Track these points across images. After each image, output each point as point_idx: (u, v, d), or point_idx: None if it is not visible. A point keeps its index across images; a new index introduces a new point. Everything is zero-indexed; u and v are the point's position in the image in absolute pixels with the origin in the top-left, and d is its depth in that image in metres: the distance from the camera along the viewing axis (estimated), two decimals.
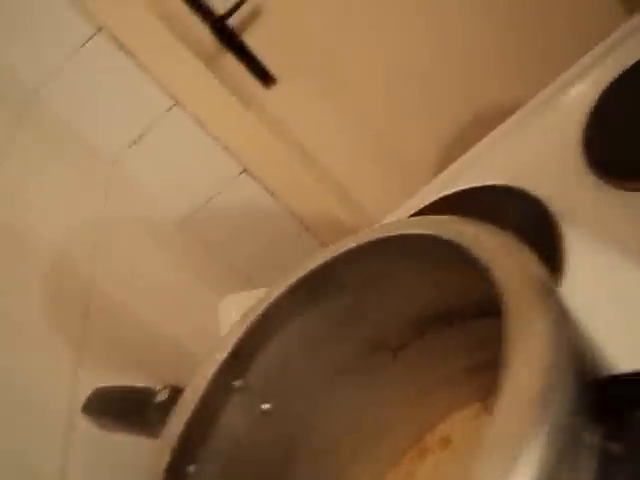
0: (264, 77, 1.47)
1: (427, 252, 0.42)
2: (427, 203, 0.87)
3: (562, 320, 0.30)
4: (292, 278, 0.48)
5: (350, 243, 0.47)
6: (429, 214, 0.84)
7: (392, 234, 0.44)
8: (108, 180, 1.30)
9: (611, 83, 0.80)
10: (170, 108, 1.34)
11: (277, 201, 1.46)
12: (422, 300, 0.47)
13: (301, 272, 0.48)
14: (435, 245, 0.40)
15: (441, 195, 0.87)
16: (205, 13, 1.37)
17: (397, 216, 0.94)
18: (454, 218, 0.41)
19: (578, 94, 0.86)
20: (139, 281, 1.07)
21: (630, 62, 0.82)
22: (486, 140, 0.94)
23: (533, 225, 0.68)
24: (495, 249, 0.35)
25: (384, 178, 1.63)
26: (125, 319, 0.94)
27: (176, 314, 1.05)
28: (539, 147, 0.82)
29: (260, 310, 0.48)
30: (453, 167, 0.95)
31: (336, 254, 0.47)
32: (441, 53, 1.55)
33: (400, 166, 1.62)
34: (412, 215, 0.88)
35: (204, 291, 1.25)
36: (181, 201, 1.42)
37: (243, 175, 1.43)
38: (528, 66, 1.56)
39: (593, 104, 0.80)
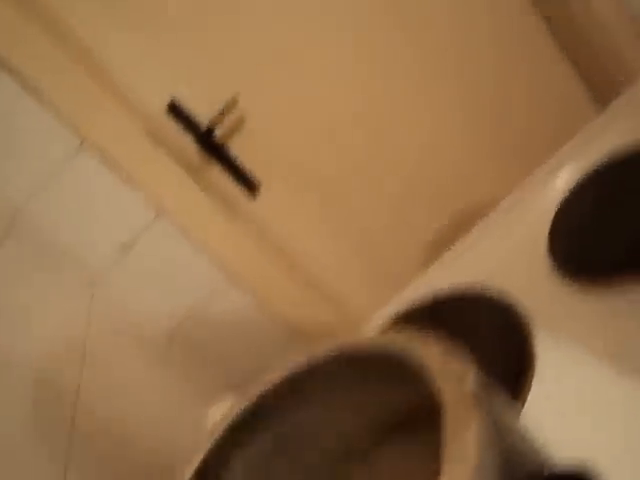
0: (248, 186, 1.50)
1: (374, 368, 0.47)
2: (403, 310, 0.90)
3: (492, 425, 0.34)
4: (256, 391, 0.51)
5: (310, 358, 0.50)
6: (404, 322, 0.88)
7: (347, 352, 0.48)
8: (93, 292, 1.29)
9: (574, 186, 0.85)
10: (155, 219, 1.35)
11: (263, 308, 1.45)
12: (372, 411, 0.52)
13: (264, 386, 0.51)
14: (382, 362, 0.45)
15: (416, 301, 0.90)
16: (190, 125, 1.41)
17: (379, 318, 0.95)
18: (401, 335, 0.45)
19: (544, 196, 0.90)
20: (125, 393, 1.04)
21: (595, 161, 0.86)
22: (462, 242, 0.98)
23: (505, 327, 0.72)
24: (435, 363, 0.40)
25: (368, 279, 1.63)
26: (111, 432, 0.92)
27: (163, 426, 1.03)
28: (510, 248, 0.87)
29: (226, 424, 0.51)
30: (431, 269, 0.99)
31: (304, 366, 0.50)
32: (422, 156, 1.60)
33: (384, 266, 1.64)
34: (390, 321, 0.90)
35: (192, 400, 1.22)
36: (166, 312, 1.41)
37: (229, 284, 1.43)
38: (503, 166, 1.60)
39: (557, 206, 0.84)
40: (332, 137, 1.55)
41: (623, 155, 0.89)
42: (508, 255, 0.85)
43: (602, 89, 1.64)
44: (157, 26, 1.39)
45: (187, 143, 1.44)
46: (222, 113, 1.43)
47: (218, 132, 1.45)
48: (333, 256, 1.60)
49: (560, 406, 0.41)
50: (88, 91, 1.26)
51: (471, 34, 1.59)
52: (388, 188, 1.61)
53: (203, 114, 1.44)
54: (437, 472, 0.39)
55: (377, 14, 1.52)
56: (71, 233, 1.32)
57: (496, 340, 0.72)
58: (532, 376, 0.61)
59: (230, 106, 1.44)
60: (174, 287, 1.40)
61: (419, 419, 0.47)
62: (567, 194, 0.85)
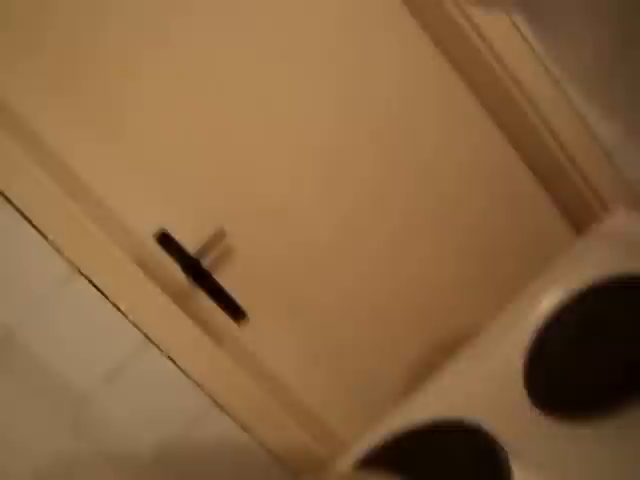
0: (235, 314, 1.51)
1: None
2: (384, 441, 0.91)
3: None
4: None
5: None
6: (383, 452, 0.88)
7: None
8: (78, 415, 1.28)
9: (549, 317, 0.87)
10: (142, 345, 1.36)
11: (249, 434, 1.44)
12: None
13: None
14: None
15: (397, 432, 0.90)
16: (178, 254, 1.44)
17: (355, 452, 0.95)
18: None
19: (520, 327, 0.92)
20: None
21: (570, 291, 0.88)
22: (441, 371, 0.99)
23: (483, 460, 0.71)
24: None
25: (352, 404, 1.62)
26: None
27: None
28: (487, 380, 0.88)
29: None
30: (413, 398, 1.00)
31: None
32: (404, 283, 1.62)
33: (367, 391, 1.63)
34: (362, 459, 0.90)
35: None
36: (150, 435, 1.39)
37: (214, 408, 1.42)
38: (482, 295, 1.63)
39: (532, 338, 0.86)
40: (317, 268, 1.58)
41: (595, 286, 0.91)
42: (485, 385, 0.86)
43: (579, 217, 1.70)
44: (148, 159, 1.46)
45: (175, 271, 1.47)
46: (210, 243, 1.47)
47: (205, 261, 1.48)
48: (317, 382, 1.60)
49: None
50: (79, 222, 1.30)
51: (452, 169, 1.66)
52: (371, 315, 1.63)
53: (191, 243, 1.47)
54: None
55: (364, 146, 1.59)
56: (59, 357, 1.32)
57: (472, 469, 0.71)
58: None
59: (218, 236, 1.49)
60: (159, 410, 1.39)
61: None
62: (541, 325, 0.86)
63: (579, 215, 1.70)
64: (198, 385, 1.40)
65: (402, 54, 1.60)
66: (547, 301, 0.93)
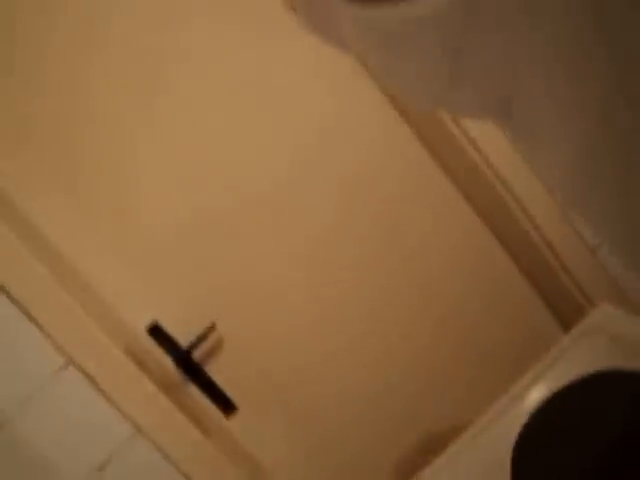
0: (225, 407, 1.51)
1: None
2: None
3: None
4: None
5: None
6: None
7: None
8: None
9: (534, 413, 0.88)
10: (132, 437, 1.36)
11: None
12: None
13: None
14: None
15: None
16: (169, 347, 1.45)
17: None
18: None
19: (507, 424, 0.93)
20: None
21: (554, 388, 0.90)
22: (430, 467, 0.99)
23: None
24: None
25: None
26: None
27: None
28: (475, 476, 0.88)
29: None
30: None
31: None
32: (388, 380, 1.64)
33: None
34: None
35: None
36: None
37: None
38: (469, 390, 1.64)
39: (519, 434, 0.87)
40: (306, 361, 1.59)
41: (579, 383, 0.93)
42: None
43: (565, 312, 1.72)
44: (144, 253, 1.50)
45: (166, 363, 1.48)
46: (201, 337, 1.49)
47: (196, 353, 1.49)
48: (305, 474, 1.58)
49: None
50: (74, 313, 1.33)
51: (440, 265, 1.69)
52: (358, 410, 1.63)
53: (182, 336, 1.49)
54: None
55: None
56: (49, 446, 1.32)
57: None
58: None
59: (209, 330, 1.50)
60: None
61: None
62: (528, 420, 0.87)
63: (565, 309, 1.72)
64: (186, 478, 1.39)
65: (398, 158, 1.66)
66: (533, 397, 0.95)
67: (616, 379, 0.95)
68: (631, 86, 0.33)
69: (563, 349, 1.08)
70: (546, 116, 0.37)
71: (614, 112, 0.34)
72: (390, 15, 0.36)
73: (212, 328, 1.52)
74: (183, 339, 1.49)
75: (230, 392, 1.53)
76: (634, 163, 0.36)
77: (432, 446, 1.01)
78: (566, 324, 1.73)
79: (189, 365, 1.48)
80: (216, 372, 1.53)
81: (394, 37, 0.38)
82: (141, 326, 1.47)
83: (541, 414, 0.89)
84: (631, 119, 0.34)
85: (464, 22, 0.34)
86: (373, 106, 1.62)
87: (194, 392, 1.51)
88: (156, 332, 1.44)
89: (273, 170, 1.58)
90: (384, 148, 1.64)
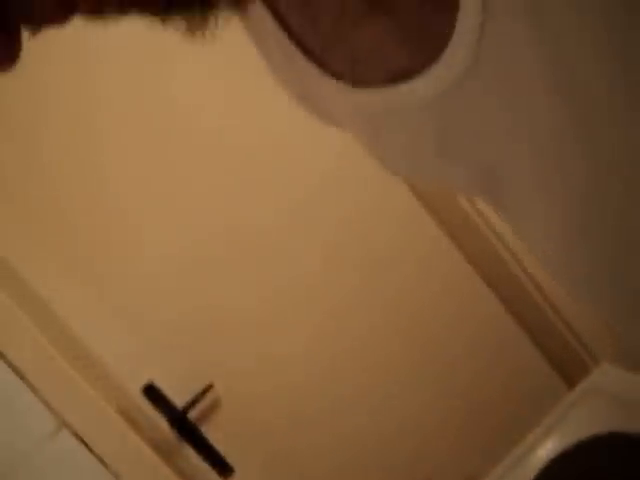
0: (222, 469, 1.48)
1: None
2: None
3: None
4: None
5: None
6: None
7: None
8: None
9: (538, 473, 0.86)
10: None
11: None
12: None
13: None
14: None
15: None
16: (164, 408, 1.43)
17: None
18: None
19: None
20: None
21: (558, 449, 0.88)
22: None
23: None
24: None
25: None
26: None
27: None
28: None
29: None
30: None
31: None
32: (388, 436, 1.62)
33: None
34: None
35: None
36: None
37: None
38: (471, 446, 1.61)
39: None
40: (304, 422, 1.57)
41: (582, 444, 0.92)
42: None
43: (568, 369, 1.70)
44: (140, 315, 1.49)
45: (161, 424, 1.46)
46: (197, 398, 1.47)
47: (193, 413, 1.47)
48: None
49: None
50: (68, 375, 1.32)
51: (444, 326, 1.68)
52: (358, 468, 1.59)
53: (178, 396, 1.47)
54: None
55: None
56: None
57: None
58: None
59: (205, 391, 1.49)
60: None
61: None
62: None
63: (568, 366, 1.70)
64: None
65: (389, 210, 1.67)
66: (538, 457, 0.93)
67: (615, 443, 0.94)
68: (609, 175, 0.33)
69: (564, 411, 1.07)
70: (532, 193, 0.37)
71: (601, 192, 0.34)
72: (377, 99, 0.36)
73: (209, 387, 1.50)
74: (179, 399, 1.47)
75: (227, 453, 1.50)
76: (632, 242, 0.35)
77: None
78: (570, 380, 1.71)
79: (184, 426, 1.45)
80: (213, 432, 1.50)
81: (380, 117, 0.39)
82: (137, 387, 1.45)
83: (546, 475, 0.87)
84: (625, 200, 0.34)
85: (450, 105, 0.35)
86: (366, 161, 1.63)
87: (190, 453, 1.48)
88: (151, 392, 1.43)
89: (270, 222, 1.58)
90: (375, 199, 1.65)
